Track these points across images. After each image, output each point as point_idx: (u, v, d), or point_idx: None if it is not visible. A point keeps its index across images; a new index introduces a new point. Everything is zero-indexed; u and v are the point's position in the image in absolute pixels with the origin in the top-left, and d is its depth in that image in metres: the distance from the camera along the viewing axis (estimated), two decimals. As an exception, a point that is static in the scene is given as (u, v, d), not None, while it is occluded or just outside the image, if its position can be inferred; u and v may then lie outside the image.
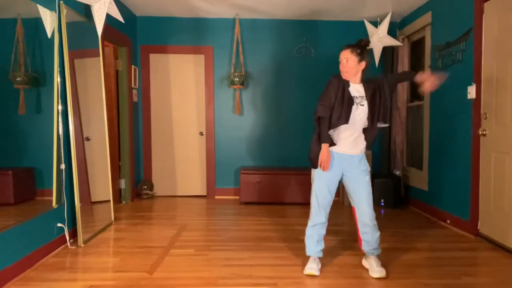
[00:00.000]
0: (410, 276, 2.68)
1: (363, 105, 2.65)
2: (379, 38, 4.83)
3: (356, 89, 2.67)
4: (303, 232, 3.64)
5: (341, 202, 5.16)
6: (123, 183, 5.00)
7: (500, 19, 3.28)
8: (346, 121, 2.61)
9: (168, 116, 5.48)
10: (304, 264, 2.82)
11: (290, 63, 5.40)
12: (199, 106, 5.48)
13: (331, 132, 2.69)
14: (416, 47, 5.03)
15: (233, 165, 5.37)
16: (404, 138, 5.11)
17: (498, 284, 2.57)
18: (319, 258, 2.79)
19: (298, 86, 5.39)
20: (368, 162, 5.21)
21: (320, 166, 2.67)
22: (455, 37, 3.88)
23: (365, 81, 2.72)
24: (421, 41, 4.80)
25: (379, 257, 2.78)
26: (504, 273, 2.76)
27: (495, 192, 3.34)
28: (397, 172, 5.07)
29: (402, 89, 5.03)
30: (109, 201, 4.01)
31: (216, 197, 5.47)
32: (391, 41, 4.83)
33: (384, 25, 4.77)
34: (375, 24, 4.97)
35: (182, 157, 5.51)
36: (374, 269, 2.68)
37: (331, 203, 2.76)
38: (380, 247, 2.77)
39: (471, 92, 3.60)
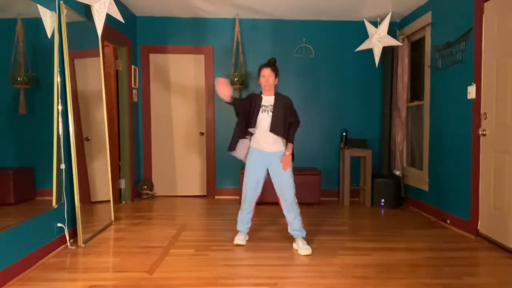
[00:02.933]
0: (410, 276, 2.68)
1: (271, 112, 3.25)
2: (379, 38, 4.82)
3: (267, 100, 3.29)
4: (303, 232, 3.69)
5: (341, 202, 5.16)
6: (123, 183, 5.00)
7: (500, 19, 3.28)
8: (254, 125, 3.26)
9: (168, 116, 5.48)
10: (304, 264, 2.84)
11: (290, 63, 5.40)
12: (199, 106, 5.48)
13: (254, 137, 3.31)
14: (416, 47, 5.03)
15: (233, 165, 5.37)
16: (404, 138, 5.12)
17: (498, 284, 2.57)
18: (247, 232, 3.43)
19: (298, 86, 5.39)
20: (368, 162, 5.25)
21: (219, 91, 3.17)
22: (455, 37, 3.88)
23: (278, 94, 3.33)
24: (421, 41, 4.80)
25: (305, 238, 3.26)
26: (504, 273, 2.76)
27: (495, 192, 3.34)
28: (397, 172, 5.07)
29: (402, 89, 5.03)
30: (109, 201, 4.01)
31: (216, 197, 5.47)
32: (391, 41, 4.83)
33: (384, 25, 4.77)
34: (375, 24, 4.97)
35: (182, 157, 5.51)
36: (301, 247, 3.15)
37: (259, 194, 3.35)
38: (304, 229, 3.29)
39: (471, 92, 3.61)
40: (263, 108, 3.26)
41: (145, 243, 3.37)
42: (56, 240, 3.14)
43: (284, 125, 3.25)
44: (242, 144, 3.38)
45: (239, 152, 3.40)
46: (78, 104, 3.48)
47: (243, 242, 3.35)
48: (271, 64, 3.31)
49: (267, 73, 3.28)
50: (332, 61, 5.42)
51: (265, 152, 3.28)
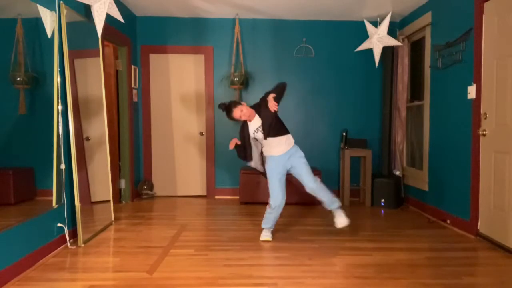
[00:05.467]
0: (410, 276, 2.68)
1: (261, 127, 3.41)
2: (379, 38, 4.83)
3: (253, 123, 3.43)
4: (303, 232, 3.70)
5: (341, 202, 5.15)
6: (123, 183, 5.00)
7: (500, 19, 3.28)
8: (261, 147, 3.53)
9: (168, 116, 5.48)
10: (304, 264, 2.84)
11: (290, 63, 5.41)
12: (199, 106, 5.48)
13: (264, 148, 3.50)
14: (416, 47, 5.03)
15: (233, 165, 5.37)
16: (404, 138, 5.11)
17: (498, 284, 2.57)
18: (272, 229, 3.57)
19: (298, 86, 5.39)
20: (368, 162, 5.25)
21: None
22: (455, 37, 3.88)
23: (256, 109, 3.42)
24: (421, 41, 4.80)
25: (342, 208, 3.55)
26: (504, 273, 2.76)
27: (495, 192, 3.34)
28: (397, 172, 5.07)
29: (402, 89, 5.03)
30: (109, 201, 4.01)
31: (216, 197, 5.47)
32: (391, 41, 4.83)
33: (384, 25, 4.77)
34: (375, 24, 4.97)
35: (182, 157, 5.51)
36: (340, 219, 3.48)
37: (285, 194, 3.45)
38: (337, 199, 3.55)
39: (471, 92, 3.61)
40: (254, 131, 3.42)
41: (145, 243, 3.37)
42: (56, 240, 3.14)
43: (277, 122, 3.41)
44: (255, 153, 3.59)
45: (255, 161, 3.60)
46: (78, 104, 3.48)
47: (271, 238, 3.47)
48: (232, 107, 3.33)
49: (238, 114, 3.31)
50: (332, 61, 5.42)
51: (281, 155, 3.43)
